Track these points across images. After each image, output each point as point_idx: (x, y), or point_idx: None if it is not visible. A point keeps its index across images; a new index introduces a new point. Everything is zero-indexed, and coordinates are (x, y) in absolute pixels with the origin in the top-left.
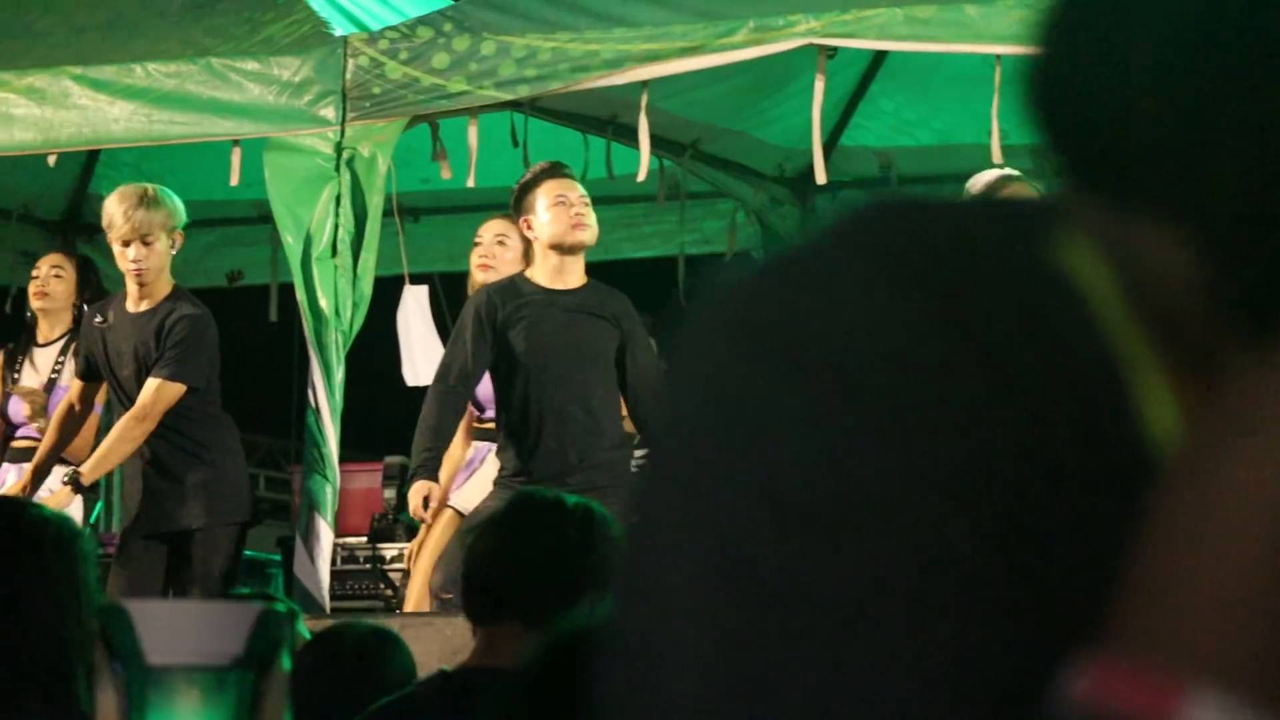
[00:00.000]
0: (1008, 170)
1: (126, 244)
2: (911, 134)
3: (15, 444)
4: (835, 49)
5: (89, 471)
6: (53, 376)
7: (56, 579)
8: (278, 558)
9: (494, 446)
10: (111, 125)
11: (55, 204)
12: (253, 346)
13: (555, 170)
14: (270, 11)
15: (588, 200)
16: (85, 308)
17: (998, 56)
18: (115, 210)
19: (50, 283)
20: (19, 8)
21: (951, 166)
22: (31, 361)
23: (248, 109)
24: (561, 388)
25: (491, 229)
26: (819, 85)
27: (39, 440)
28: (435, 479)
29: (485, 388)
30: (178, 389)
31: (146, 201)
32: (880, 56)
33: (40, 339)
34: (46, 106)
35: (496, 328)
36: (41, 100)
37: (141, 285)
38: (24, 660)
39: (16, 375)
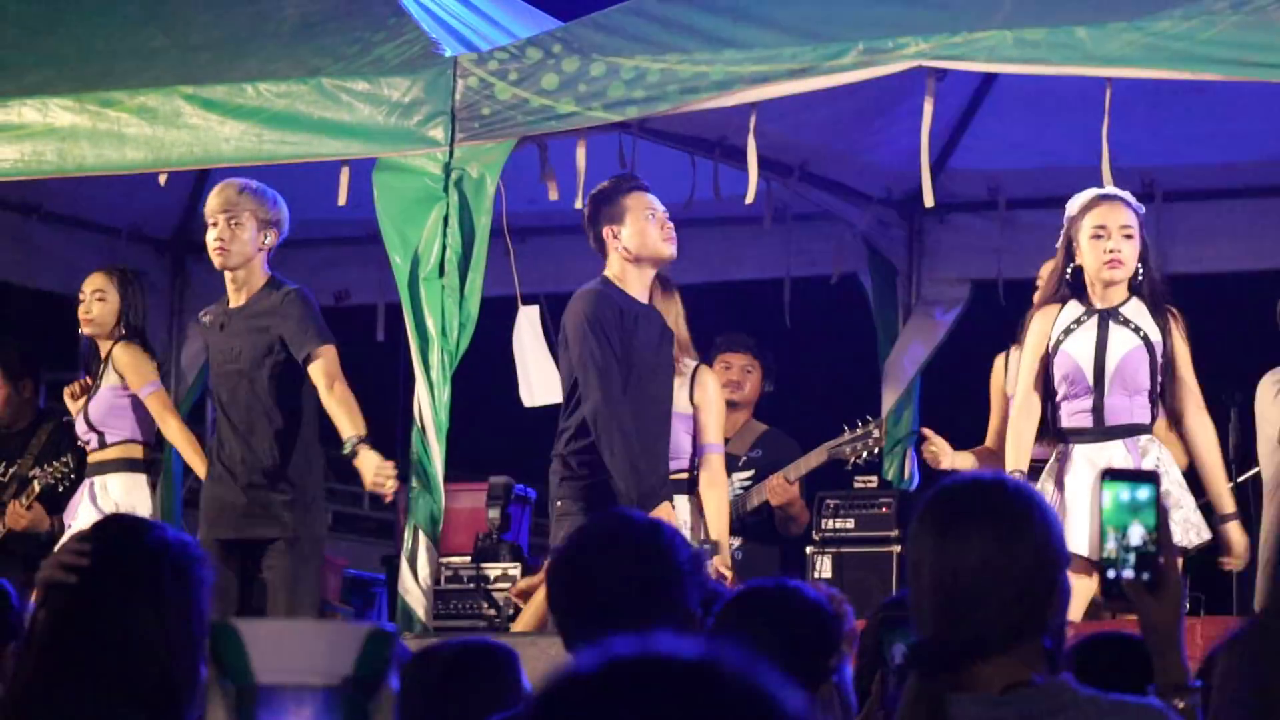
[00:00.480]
0: (1106, 190)
1: (213, 223)
2: (1020, 156)
3: (88, 457)
4: (945, 71)
5: (362, 430)
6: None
7: (170, 602)
8: (382, 576)
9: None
10: (222, 145)
11: (165, 223)
12: (359, 366)
13: (641, 183)
14: (381, 32)
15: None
16: (129, 323)
17: (1108, 79)
18: (211, 194)
19: (94, 306)
20: (132, 28)
21: (1060, 189)
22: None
23: (357, 129)
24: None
25: None
26: (928, 107)
27: (96, 449)
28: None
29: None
30: (330, 350)
31: (240, 186)
32: (990, 79)
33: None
34: (158, 126)
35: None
36: (153, 119)
37: (225, 269)
38: (132, 681)
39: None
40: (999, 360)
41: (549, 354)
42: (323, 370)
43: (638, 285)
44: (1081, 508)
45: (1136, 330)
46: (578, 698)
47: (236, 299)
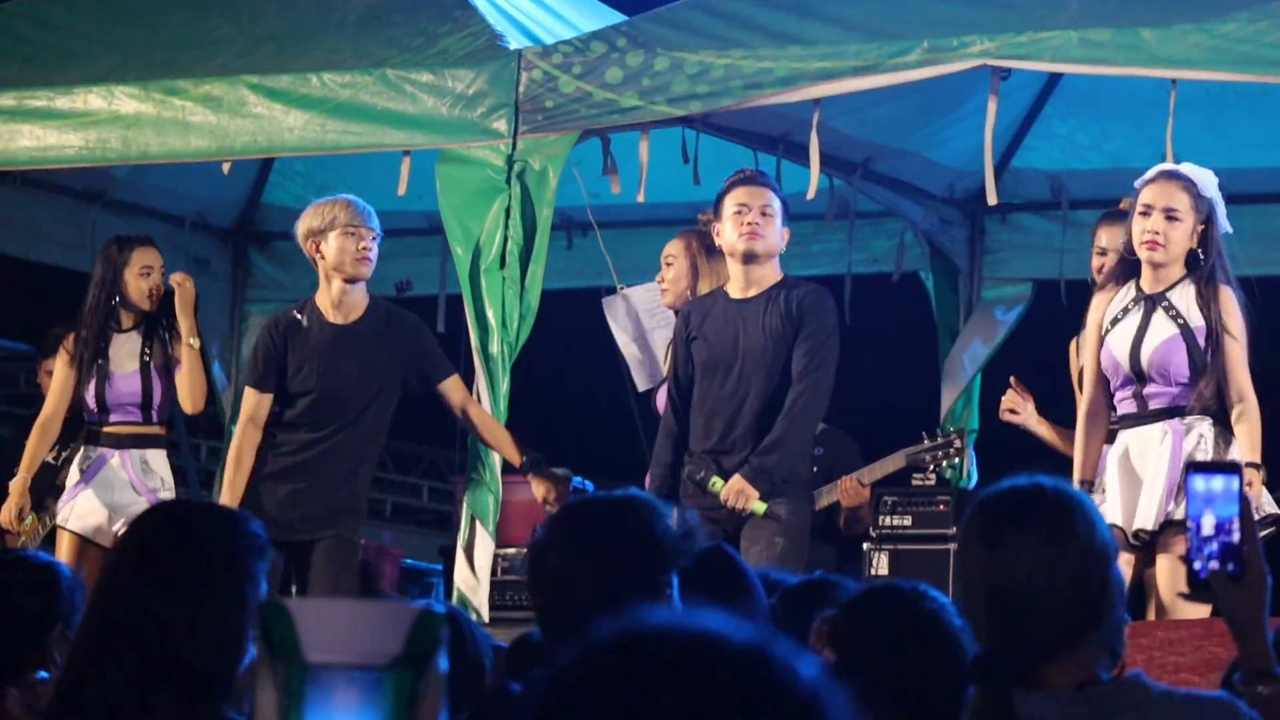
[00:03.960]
0: (1168, 166)
1: (354, 231)
2: (1084, 157)
3: (111, 428)
4: (1009, 70)
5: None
6: (145, 359)
7: (229, 592)
8: (439, 567)
9: None
10: (286, 134)
11: (228, 212)
12: None
13: (747, 179)
14: (446, 24)
15: (770, 209)
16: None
17: (1173, 80)
18: (335, 206)
19: (160, 284)
20: (198, 17)
21: (1124, 190)
22: (118, 347)
23: (420, 120)
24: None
25: (665, 250)
26: (992, 106)
27: (138, 424)
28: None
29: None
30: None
31: (362, 202)
32: (1054, 79)
33: (123, 324)
34: (222, 114)
35: (686, 342)
36: (217, 108)
37: (358, 284)
38: (180, 670)
39: (105, 362)
40: (1071, 346)
41: (644, 336)
42: (461, 392)
43: (736, 281)
44: (1112, 481)
45: (1176, 318)
46: (592, 670)
47: (337, 314)
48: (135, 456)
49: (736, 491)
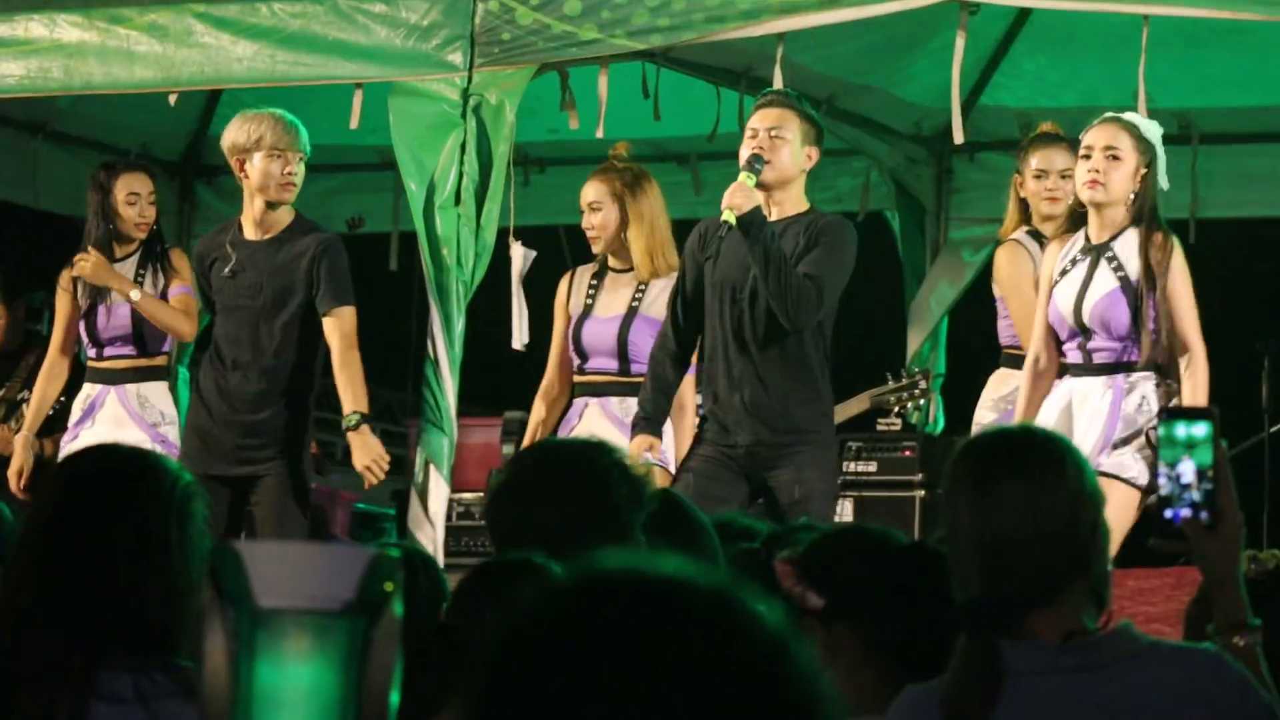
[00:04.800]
0: (1110, 113)
1: (277, 155)
2: (1054, 95)
3: (105, 364)
4: (978, 5)
5: (365, 408)
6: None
7: (164, 538)
8: (392, 511)
9: (589, 402)
10: (234, 65)
11: (174, 145)
12: (371, 295)
13: (761, 102)
14: None
15: (782, 133)
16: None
17: (1145, 17)
18: (262, 124)
19: (148, 209)
20: None
21: None
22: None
23: (373, 52)
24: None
25: (586, 196)
26: (959, 42)
27: (133, 358)
28: (651, 432)
29: (595, 336)
30: (353, 312)
31: (291, 121)
32: (1024, 14)
33: (118, 254)
34: (168, 44)
35: (698, 260)
36: (163, 38)
37: (291, 197)
38: (118, 617)
39: (98, 291)
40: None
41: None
42: (339, 330)
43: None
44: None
45: (1118, 270)
46: (553, 613)
47: (256, 232)
48: (131, 391)
49: (735, 187)
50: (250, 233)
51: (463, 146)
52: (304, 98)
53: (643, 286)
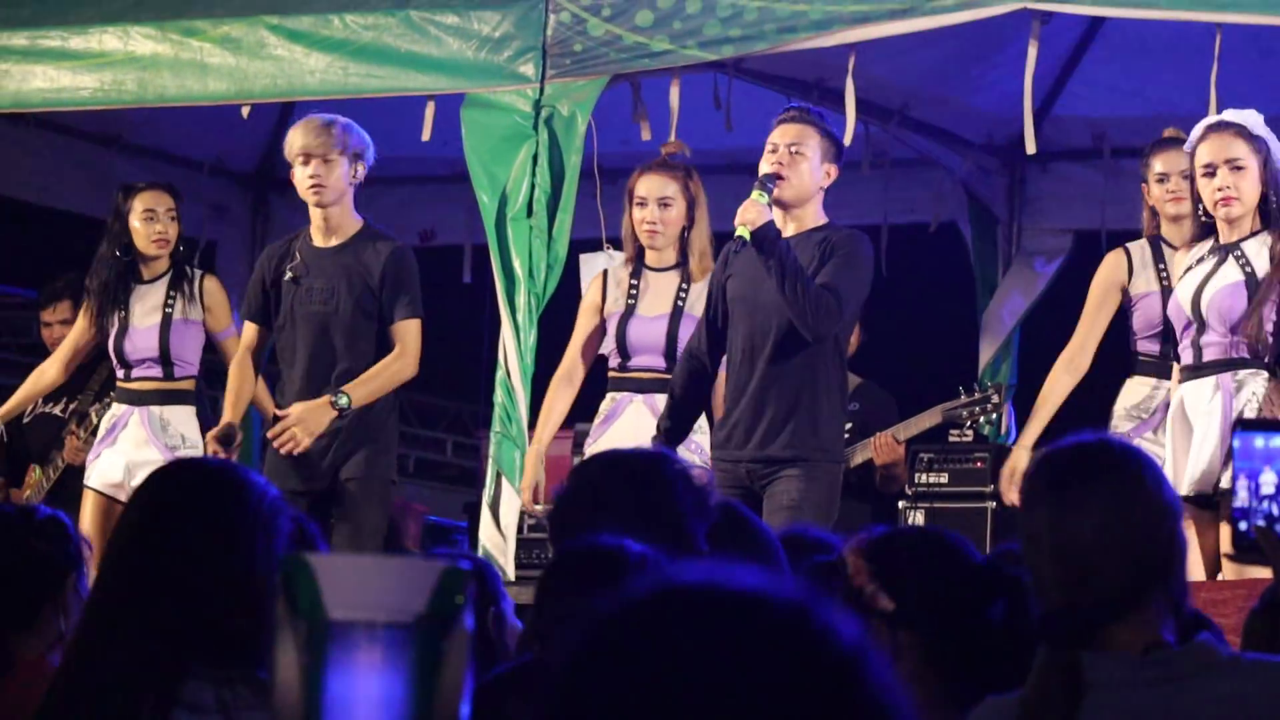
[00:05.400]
0: (1212, 119)
1: (306, 160)
2: (1127, 104)
3: (132, 385)
4: (1050, 14)
5: (358, 398)
6: (167, 312)
7: (252, 551)
8: (463, 524)
9: (634, 399)
10: (307, 77)
11: (248, 157)
12: (444, 308)
13: (782, 118)
14: None
15: (801, 148)
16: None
17: (1218, 24)
18: (295, 131)
19: (170, 227)
20: None
21: None
22: (139, 300)
23: (445, 64)
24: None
25: (657, 191)
26: (1032, 52)
27: (158, 380)
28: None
29: (642, 334)
30: (415, 326)
31: (327, 122)
32: (1097, 23)
33: (146, 275)
34: (241, 56)
35: (722, 280)
36: (236, 50)
37: (321, 207)
38: (201, 628)
39: (124, 313)
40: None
41: None
42: (412, 338)
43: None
44: (1169, 438)
45: (1245, 266)
46: (630, 625)
47: (325, 240)
48: (154, 414)
49: (748, 204)
50: (318, 240)
51: (534, 158)
52: (376, 110)
53: (685, 286)
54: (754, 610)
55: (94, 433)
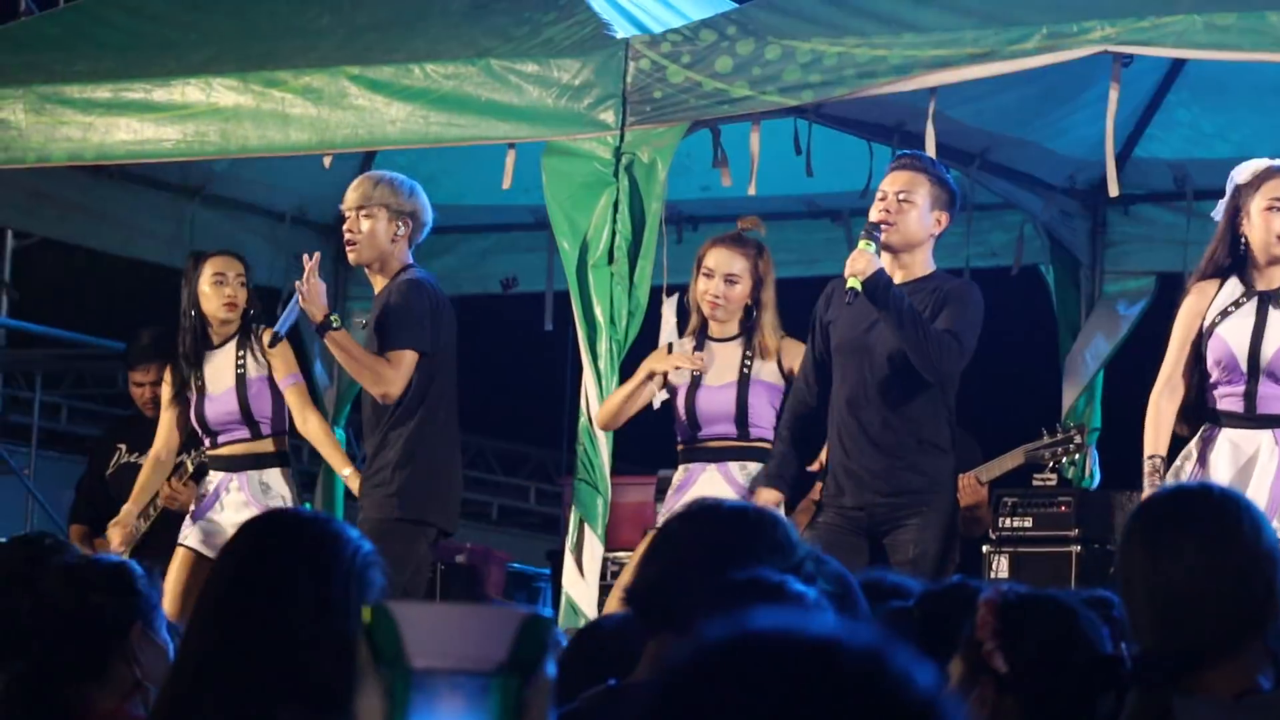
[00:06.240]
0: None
1: (346, 218)
2: (1208, 146)
3: (222, 451)
4: (1131, 57)
5: (343, 335)
6: (239, 372)
7: (346, 603)
8: (546, 571)
9: (707, 468)
10: (388, 127)
11: (329, 207)
12: (526, 355)
13: (893, 165)
14: (551, 12)
15: (911, 196)
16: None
17: None
18: (349, 188)
19: (240, 291)
20: (298, 7)
21: None
22: (211, 364)
23: (526, 112)
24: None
25: (725, 267)
26: (1113, 94)
27: (247, 441)
28: (778, 488)
29: (711, 403)
30: (408, 356)
31: (375, 179)
32: (1178, 65)
33: (215, 340)
34: (323, 106)
35: (823, 324)
36: (318, 100)
37: (361, 264)
38: (293, 680)
39: (201, 382)
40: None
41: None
42: (393, 370)
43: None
44: (1223, 477)
45: None
46: (708, 671)
47: (376, 283)
48: (253, 479)
49: (856, 254)
50: (375, 285)
51: (615, 205)
52: (457, 158)
53: (749, 354)
54: (830, 657)
55: (193, 478)
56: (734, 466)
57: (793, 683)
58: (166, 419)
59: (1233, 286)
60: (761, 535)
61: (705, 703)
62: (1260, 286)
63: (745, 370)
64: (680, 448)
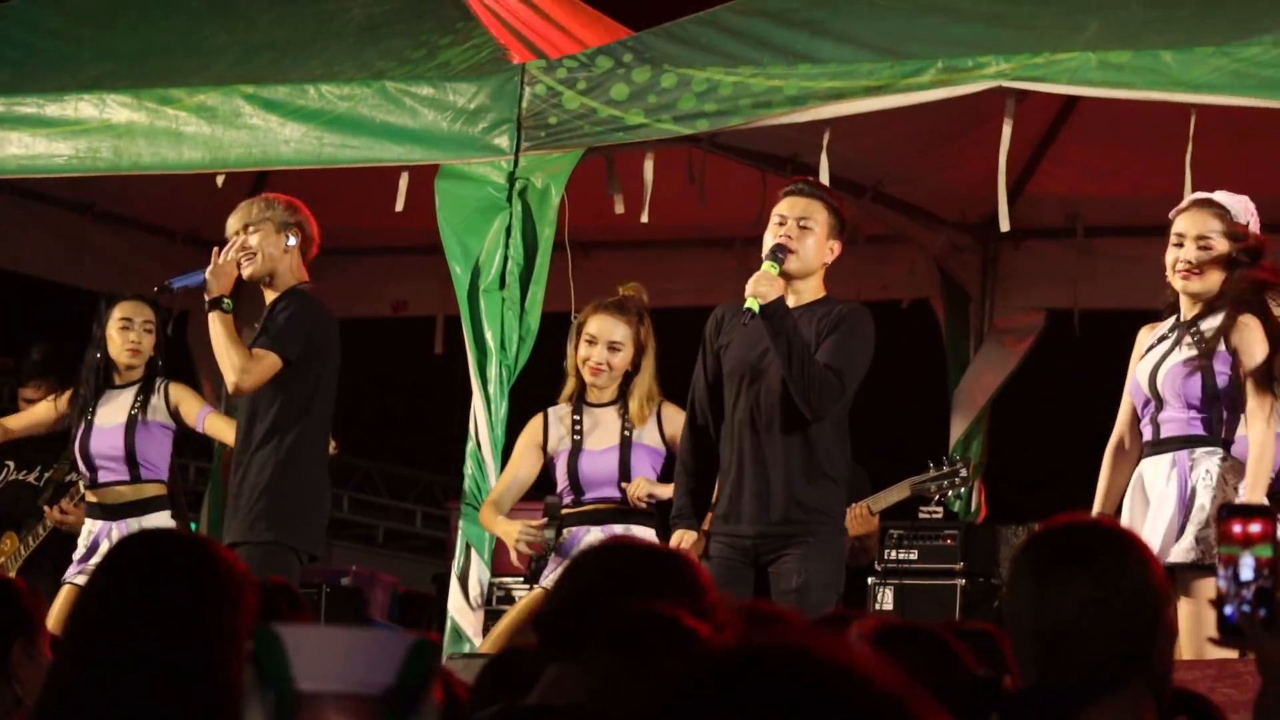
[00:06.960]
0: (1200, 195)
1: (233, 240)
2: (1101, 183)
3: (100, 494)
4: (1025, 92)
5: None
6: (133, 413)
7: (219, 625)
8: (432, 595)
9: (590, 530)
10: (282, 147)
11: (222, 226)
12: (415, 378)
13: (790, 190)
14: (448, 36)
15: (809, 222)
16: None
17: (1193, 106)
18: (230, 216)
19: (145, 339)
20: (194, 25)
21: (1141, 218)
22: (107, 403)
23: (421, 135)
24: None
25: (607, 334)
26: (1006, 130)
27: (126, 483)
28: (689, 527)
29: (594, 468)
30: (270, 358)
31: (251, 201)
32: (1071, 102)
33: (118, 381)
34: (217, 125)
35: (714, 349)
36: (212, 119)
37: (255, 279)
38: (159, 699)
39: (91, 416)
40: None
41: None
42: (257, 359)
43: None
44: (1126, 514)
45: (1200, 343)
46: (712, 685)
47: (268, 298)
48: (132, 526)
49: (760, 275)
50: (267, 300)
51: (508, 230)
52: (350, 180)
53: (628, 420)
54: (835, 676)
55: (82, 500)
56: (618, 529)
57: (796, 697)
58: (43, 408)
59: (1168, 323)
60: (672, 575)
61: (707, 714)
62: (1183, 317)
63: (626, 434)
64: (564, 511)
